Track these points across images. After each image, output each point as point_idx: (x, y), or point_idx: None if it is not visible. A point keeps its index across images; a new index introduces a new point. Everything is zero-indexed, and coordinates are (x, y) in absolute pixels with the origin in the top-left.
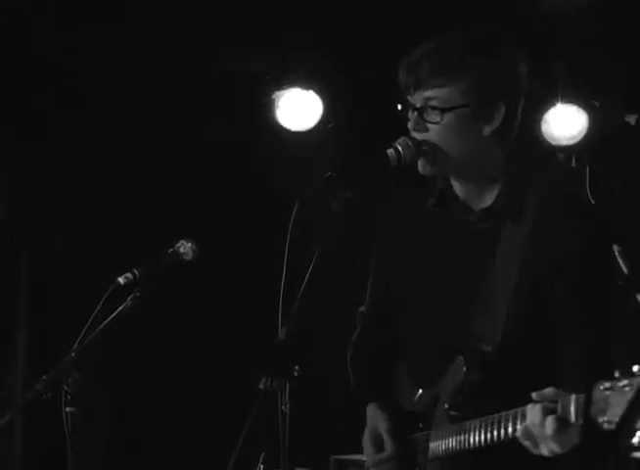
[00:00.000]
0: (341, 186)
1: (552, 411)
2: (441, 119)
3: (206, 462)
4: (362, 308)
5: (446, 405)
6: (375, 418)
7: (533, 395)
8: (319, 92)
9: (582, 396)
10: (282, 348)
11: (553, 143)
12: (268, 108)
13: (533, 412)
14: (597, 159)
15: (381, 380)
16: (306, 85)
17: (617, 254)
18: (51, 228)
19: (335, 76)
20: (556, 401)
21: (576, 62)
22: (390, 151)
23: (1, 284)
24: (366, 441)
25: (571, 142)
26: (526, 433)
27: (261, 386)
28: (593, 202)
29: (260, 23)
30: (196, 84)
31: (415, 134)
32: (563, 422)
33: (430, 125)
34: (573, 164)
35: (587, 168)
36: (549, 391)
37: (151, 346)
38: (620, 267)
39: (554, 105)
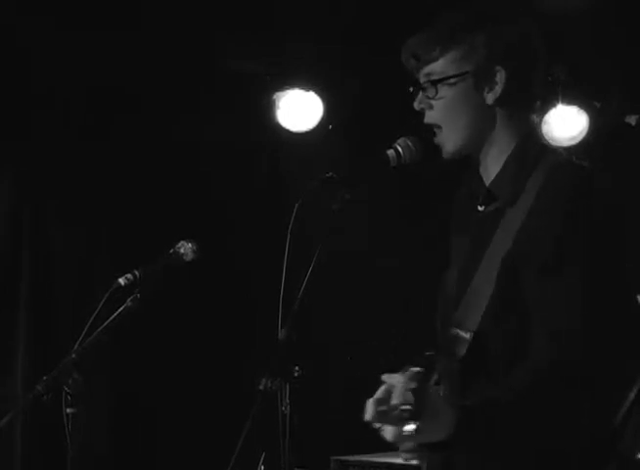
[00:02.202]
0: (340, 187)
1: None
2: (436, 93)
3: (207, 463)
4: None
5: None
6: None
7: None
8: (319, 93)
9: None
10: (282, 349)
11: (553, 144)
12: (269, 108)
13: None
14: (597, 160)
15: None
16: (307, 86)
17: None
18: (53, 228)
19: (335, 77)
20: None
21: (577, 63)
22: (390, 151)
23: (2, 283)
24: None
25: (572, 143)
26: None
27: (261, 387)
28: (595, 185)
29: (261, 24)
30: (196, 85)
31: (426, 116)
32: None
33: (433, 102)
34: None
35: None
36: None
37: (151, 346)
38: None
39: (554, 105)
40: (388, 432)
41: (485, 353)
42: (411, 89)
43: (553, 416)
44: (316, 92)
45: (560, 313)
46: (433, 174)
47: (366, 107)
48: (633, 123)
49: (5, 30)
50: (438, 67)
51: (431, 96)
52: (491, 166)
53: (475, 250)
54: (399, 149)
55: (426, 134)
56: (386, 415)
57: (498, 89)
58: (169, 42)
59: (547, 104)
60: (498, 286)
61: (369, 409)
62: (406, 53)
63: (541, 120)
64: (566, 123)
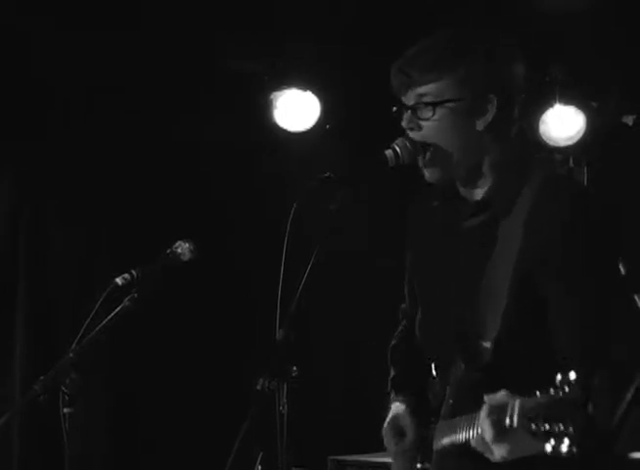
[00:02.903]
0: (338, 187)
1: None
2: (433, 114)
3: (205, 463)
4: (404, 305)
5: (451, 401)
6: (398, 411)
7: (485, 397)
8: (317, 93)
9: (526, 399)
10: (280, 348)
11: (551, 144)
12: (266, 108)
13: (481, 417)
14: (595, 160)
15: (414, 376)
16: (304, 86)
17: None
18: (53, 228)
19: (332, 77)
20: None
21: (574, 63)
22: (388, 151)
23: (1, 283)
24: (387, 431)
25: (569, 143)
26: (476, 440)
27: (259, 387)
28: (590, 196)
29: (261, 24)
30: (196, 85)
31: (411, 134)
32: (498, 426)
33: (423, 123)
34: (571, 165)
35: (585, 169)
36: (500, 394)
37: (149, 346)
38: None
39: (552, 106)
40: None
41: (508, 362)
42: (394, 109)
43: None
44: (313, 92)
45: (587, 317)
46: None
47: (364, 107)
48: (630, 123)
49: (5, 30)
50: (437, 89)
51: (425, 117)
52: (478, 184)
53: (469, 260)
54: (397, 149)
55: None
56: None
57: (489, 116)
58: (169, 42)
59: (544, 104)
60: (514, 293)
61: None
62: (398, 70)
63: (539, 120)
64: (563, 123)
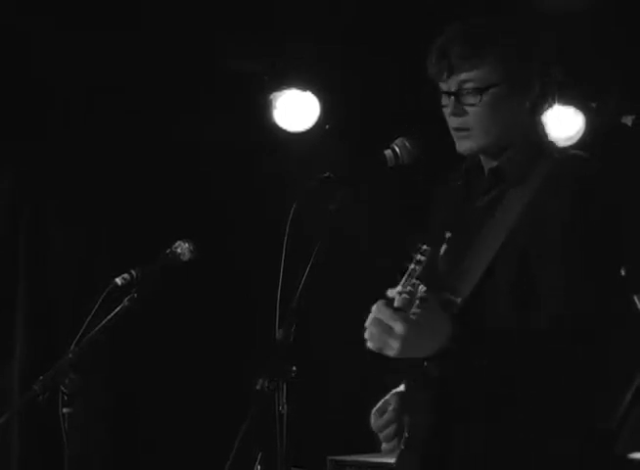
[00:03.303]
0: (338, 187)
1: None
2: (480, 100)
3: (204, 463)
4: None
5: (425, 363)
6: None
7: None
8: (316, 93)
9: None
10: (279, 348)
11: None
12: (266, 108)
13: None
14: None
15: None
16: (304, 86)
17: None
18: (52, 228)
19: (332, 77)
20: None
21: (574, 63)
22: (388, 151)
23: (1, 283)
24: (374, 413)
25: (569, 143)
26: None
27: (258, 387)
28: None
29: (261, 24)
30: (196, 85)
31: (454, 119)
32: (388, 307)
33: (468, 108)
34: None
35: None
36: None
37: (148, 347)
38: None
39: (551, 106)
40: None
41: (476, 318)
42: (451, 97)
43: (555, 364)
44: (313, 92)
45: (572, 278)
46: (431, 174)
47: (364, 107)
48: (630, 124)
49: (5, 30)
50: (480, 75)
51: (471, 103)
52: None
53: (470, 230)
54: (397, 149)
55: (423, 135)
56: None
57: (532, 97)
58: (169, 42)
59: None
60: (498, 258)
61: (372, 420)
62: (438, 57)
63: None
64: (562, 124)
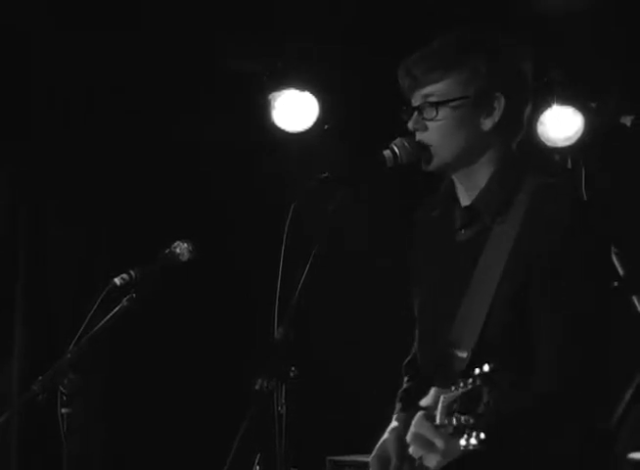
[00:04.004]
0: (337, 187)
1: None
2: (436, 114)
3: (203, 463)
4: None
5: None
6: (388, 435)
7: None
8: (315, 93)
9: (448, 394)
10: (278, 349)
11: (549, 144)
12: (265, 108)
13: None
14: (593, 160)
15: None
16: (303, 86)
17: (613, 256)
18: (52, 228)
19: (332, 77)
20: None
21: (572, 63)
22: (387, 151)
23: (0, 283)
24: (373, 461)
25: (567, 143)
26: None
27: (258, 387)
28: (588, 203)
29: (261, 24)
30: (196, 85)
31: (417, 135)
32: (428, 422)
33: (429, 124)
34: (569, 166)
35: (583, 170)
36: (430, 392)
37: (147, 347)
38: (616, 269)
39: (550, 106)
40: None
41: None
42: (405, 108)
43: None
44: (312, 92)
45: (564, 342)
46: (431, 174)
47: (363, 107)
48: (629, 124)
49: (5, 30)
50: (440, 88)
51: (429, 117)
52: (474, 189)
53: (458, 273)
54: (396, 149)
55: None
56: None
57: (496, 116)
58: (169, 42)
59: (543, 105)
60: (497, 304)
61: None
62: (404, 71)
63: (537, 121)
64: (561, 124)
